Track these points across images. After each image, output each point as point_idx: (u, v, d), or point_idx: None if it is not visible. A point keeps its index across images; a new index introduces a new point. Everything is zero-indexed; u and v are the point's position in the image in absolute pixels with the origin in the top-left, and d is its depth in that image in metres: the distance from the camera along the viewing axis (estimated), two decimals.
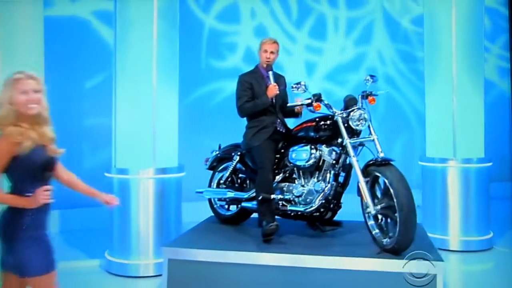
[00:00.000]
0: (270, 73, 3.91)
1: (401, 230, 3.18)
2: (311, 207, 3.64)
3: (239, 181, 4.33)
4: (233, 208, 4.35)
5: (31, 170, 2.36)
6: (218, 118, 7.21)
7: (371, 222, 3.50)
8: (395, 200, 3.19)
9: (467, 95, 5.57)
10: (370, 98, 3.74)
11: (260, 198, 3.70)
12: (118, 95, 4.81)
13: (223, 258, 3.44)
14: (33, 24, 3.63)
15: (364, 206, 3.52)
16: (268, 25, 7.57)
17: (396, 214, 3.26)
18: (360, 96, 3.75)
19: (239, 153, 4.22)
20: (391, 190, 3.21)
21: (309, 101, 3.74)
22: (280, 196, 3.78)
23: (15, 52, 3.49)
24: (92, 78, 6.75)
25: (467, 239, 5.48)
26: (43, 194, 2.29)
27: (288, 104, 3.95)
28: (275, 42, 4.01)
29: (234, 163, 4.23)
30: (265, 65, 4.00)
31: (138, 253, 4.63)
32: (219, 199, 4.36)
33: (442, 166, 5.60)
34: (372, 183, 3.49)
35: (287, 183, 3.87)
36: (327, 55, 7.77)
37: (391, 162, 3.34)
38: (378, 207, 3.37)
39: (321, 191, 3.64)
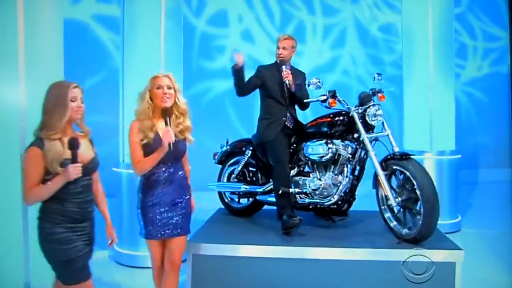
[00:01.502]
0: (284, 67, 3.50)
1: (425, 221, 2.85)
2: (330, 200, 3.26)
3: (250, 174, 3.88)
4: (243, 201, 3.91)
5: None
6: (208, 115, 6.76)
7: (388, 215, 3.16)
8: (419, 192, 2.86)
9: (441, 95, 5.43)
10: (380, 95, 3.41)
11: (280, 192, 3.28)
12: (125, 92, 4.26)
13: (247, 252, 3.02)
14: (54, 24, 3.14)
15: (382, 199, 3.17)
16: (253, 30, 7.16)
17: (416, 206, 2.96)
18: (370, 93, 3.40)
19: (251, 148, 3.78)
20: (415, 183, 2.88)
21: (324, 97, 3.35)
22: (297, 190, 3.38)
23: (37, 52, 2.99)
24: (91, 78, 6.17)
25: (440, 223, 5.22)
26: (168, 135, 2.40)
27: (305, 100, 3.53)
28: (288, 38, 3.59)
29: (246, 158, 3.79)
30: (278, 61, 3.57)
31: (146, 245, 4.13)
32: (232, 193, 3.91)
33: (420, 158, 5.39)
34: (388, 177, 3.14)
35: (301, 177, 3.47)
36: (306, 58, 7.40)
37: (411, 156, 3.01)
38: (399, 199, 3.03)
39: (339, 184, 3.27)
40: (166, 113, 2.47)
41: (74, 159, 2.07)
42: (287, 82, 3.45)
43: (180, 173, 2.60)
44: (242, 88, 3.51)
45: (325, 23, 7.64)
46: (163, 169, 2.53)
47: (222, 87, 6.88)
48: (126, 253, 4.19)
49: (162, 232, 2.57)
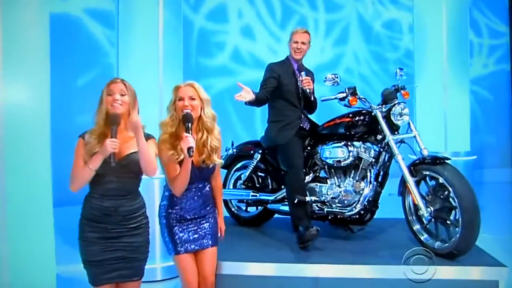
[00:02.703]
0: (303, 73, 3.08)
1: (464, 234, 2.48)
2: (352, 210, 2.87)
3: (259, 180, 3.48)
4: (251, 209, 3.51)
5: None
6: None
7: (417, 226, 2.77)
8: (457, 201, 2.49)
9: (455, 94, 5.16)
10: (403, 92, 3.04)
11: (295, 200, 2.89)
12: None
13: (259, 271, 2.62)
14: (38, 19, 2.82)
15: (410, 209, 2.80)
16: (254, 26, 6.77)
17: (450, 216, 2.60)
18: (394, 90, 3.03)
19: (260, 151, 3.38)
20: (452, 191, 2.51)
21: (343, 94, 2.97)
22: (314, 198, 2.99)
23: (19, 47, 2.67)
24: (84, 75, 5.74)
25: None
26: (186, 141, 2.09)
27: (322, 98, 3.14)
28: (306, 31, 3.17)
29: (255, 162, 3.39)
30: (295, 56, 3.16)
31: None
32: (239, 201, 3.50)
33: None
34: (416, 183, 2.76)
35: (317, 184, 3.08)
36: (308, 55, 6.94)
37: (447, 161, 2.63)
38: (431, 209, 2.65)
39: (361, 192, 2.88)
40: (185, 120, 2.16)
41: (112, 135, 2.01)
42: (307, 90, 3.05)
43: (208, 186, 2.35)
44: (263, 101, 3.05)
45: (327, 19, 7.29)
46: (192, 185, 2.26)
47: (222, 85, 6.48)
48: None
49: (193, 246, 2.29)
